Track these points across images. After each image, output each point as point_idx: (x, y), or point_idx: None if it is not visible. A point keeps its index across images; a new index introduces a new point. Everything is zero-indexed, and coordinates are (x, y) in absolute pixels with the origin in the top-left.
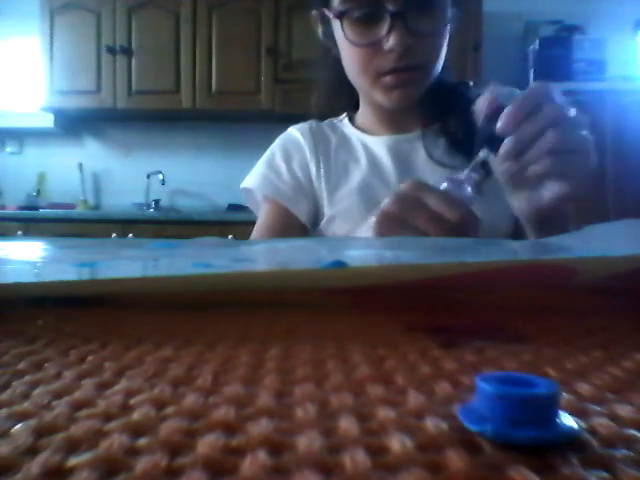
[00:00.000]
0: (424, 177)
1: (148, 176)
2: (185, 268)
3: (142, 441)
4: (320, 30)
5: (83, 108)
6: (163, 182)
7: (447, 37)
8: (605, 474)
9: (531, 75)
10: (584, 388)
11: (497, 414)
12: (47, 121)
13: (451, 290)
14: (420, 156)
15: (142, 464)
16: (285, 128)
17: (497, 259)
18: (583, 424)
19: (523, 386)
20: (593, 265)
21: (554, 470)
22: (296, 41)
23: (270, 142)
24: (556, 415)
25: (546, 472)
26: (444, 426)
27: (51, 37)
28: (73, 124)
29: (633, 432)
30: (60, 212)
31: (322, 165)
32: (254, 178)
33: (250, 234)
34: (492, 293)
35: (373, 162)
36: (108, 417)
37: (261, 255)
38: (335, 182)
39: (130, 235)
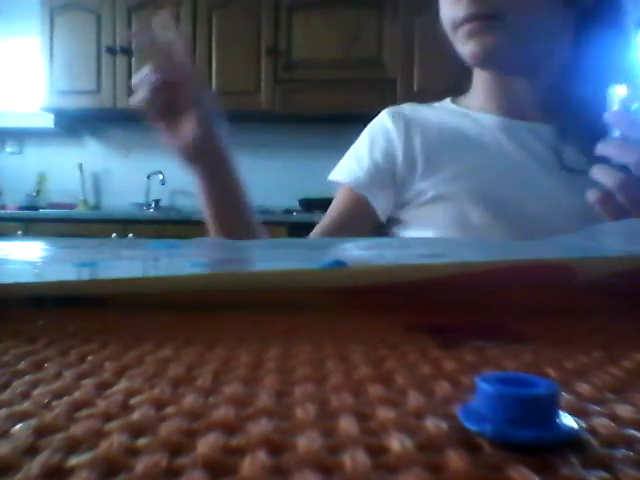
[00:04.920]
0: (545, 177)
1: (148, 176)
2: (185, 268)
3: (142, 441)
4: None
5: (83, 108)
6: (163, 182)
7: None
8: (605, 474)
9: None
10: (584, 388)
11: (497, 414)
12: (47, 121)
13: (451, 290)
14: (538, 150)
15: (142, 464)
16: (285, 128)
17: (497, 259)
18: (583, 424)
19: (523, 386)
20: (593, 265)
21: (554, 470)
22: (296, 41)
23: (270, 142)
24: (556, 415)
25: (546, 472)
26: (444, 426)
27: (51, 37)
28: (73, 124)
29: (633, 432)
30: (60, 212)
31: (420, 146)
32: (338, 170)
33: None
34: (492, 293)
35: (482, 140)
36: (108, 417)
37: (260, 255)
38: (436, 162)
39: (130, 235)
